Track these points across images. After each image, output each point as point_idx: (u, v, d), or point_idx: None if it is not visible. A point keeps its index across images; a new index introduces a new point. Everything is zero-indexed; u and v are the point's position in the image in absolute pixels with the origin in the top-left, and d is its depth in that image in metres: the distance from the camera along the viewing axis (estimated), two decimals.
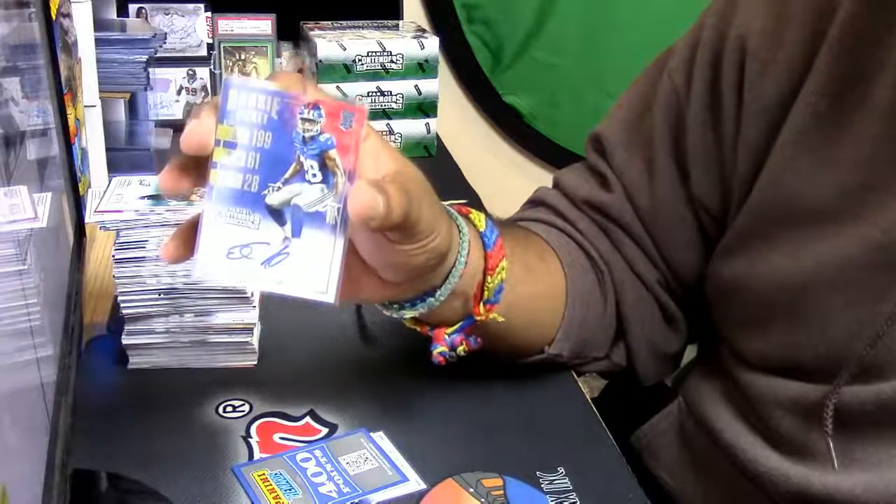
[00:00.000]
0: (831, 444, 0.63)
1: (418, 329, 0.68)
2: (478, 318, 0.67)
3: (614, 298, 0.77)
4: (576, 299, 0.75)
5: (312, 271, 0.53)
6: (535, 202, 0.82)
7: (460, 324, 0.67)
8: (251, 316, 0.77)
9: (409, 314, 0.65)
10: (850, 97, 0.62)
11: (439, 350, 0.67)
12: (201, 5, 1.35)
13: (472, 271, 0.65)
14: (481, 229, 0.66)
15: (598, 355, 0.78)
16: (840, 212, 0.62)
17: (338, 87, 1.25)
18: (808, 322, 0.64)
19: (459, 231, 0.64)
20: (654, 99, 0.75)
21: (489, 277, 0.66)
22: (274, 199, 0.53)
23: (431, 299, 0.63)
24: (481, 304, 0.66)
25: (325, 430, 0.71)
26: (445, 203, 0.64)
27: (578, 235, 0.77)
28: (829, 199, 0.63)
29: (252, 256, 0.53)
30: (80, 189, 0.85)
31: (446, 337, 0.67)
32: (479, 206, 1.15)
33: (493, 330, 0.68)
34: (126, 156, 1.15)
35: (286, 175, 0.52)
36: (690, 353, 0.86)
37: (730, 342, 0.72)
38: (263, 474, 0.65)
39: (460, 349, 0.68)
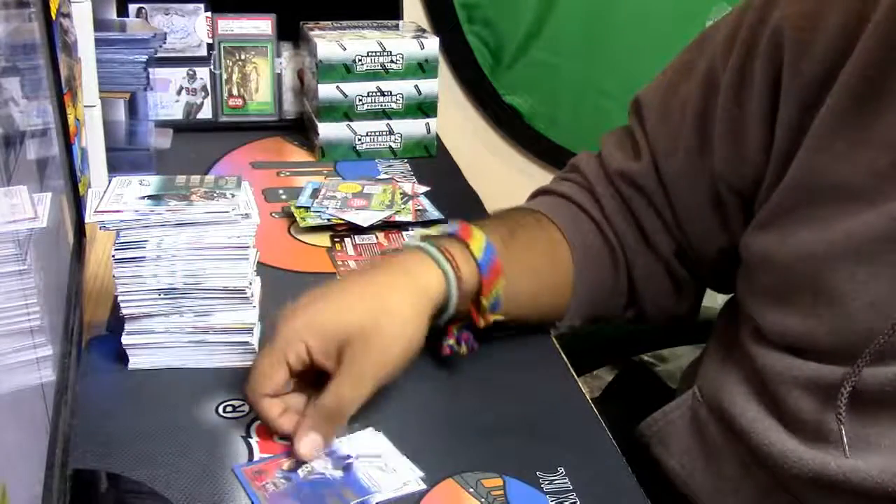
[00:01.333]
0: (843, 430, 0.63)
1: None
2: (480, 326, 0.76)
3: (626, 271, 0.84)
4: (584, 279, 0.82)
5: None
6: (572, 166, 0.89)
7: (466, 322, 0.77)
8: (251, 316, 0.77)
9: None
10: (889, 80, 0.63)
11: (449, 343, 0.76)
12: (201, 5, 1.35)
13: (466, 296, 0.74)
14: (479, 258, 0.74)
15: (615, 315, 0.87)
16: (870, 190, 0.64)
17: (338, 87, 1.25)
18: (830, 296, 0.65)
19: (446, 278, 0.73)
20: (693, 68, 0.78)
21: (483, 299, 0.75)
22: None
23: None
24: (480, 316, 0.76)
25: None
26: (440, 230, 0.76)
27: (598, 213, 0.84)
28: (861, 177, 0.64)
29: None
30: (80, 189, 0.85)
31: (455, 331, 0.76)
32: (478, 206, 1.15)
33: (503, 317, 0.77)
34: (126, 156, 1.15)
35: None
36: (686, 353, 0.87)
37: (752, 319, 0.73)
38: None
39: (462, 349, 0.77)
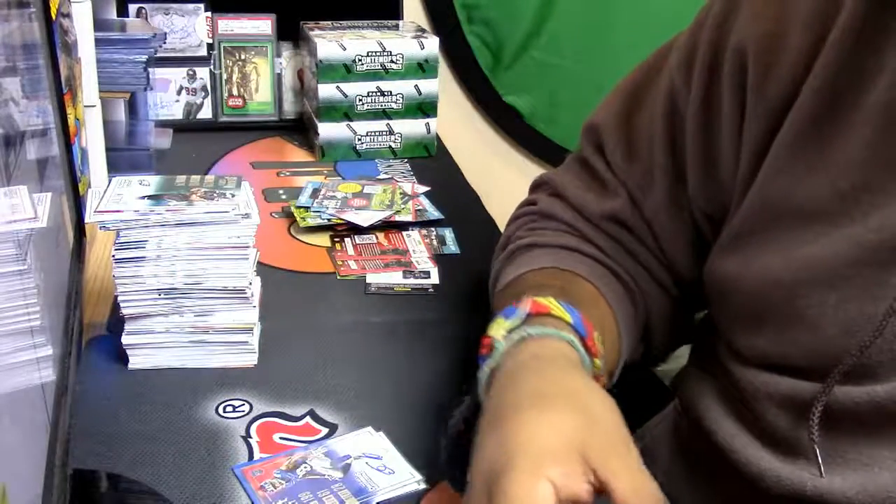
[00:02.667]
0: (818, 450, 0.63)
1: None
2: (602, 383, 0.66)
3: (644, 310, 0.78)
4: (625, 330, 0.75)
5: None
6: (544, 215, 0.81)
7: None
8: (251, 316, 0.77)
9: None
10: (847, 99, 0.62)
11: None
12: (201, 5, 1.35)
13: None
14: (570, 322, 0.65)
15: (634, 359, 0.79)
16: (833, 213, 0.62)
17: (338, 87, 1.25)
18: (801, 321, 0.64)
19: (572, 345, 0.63)
20: (652, 95, 0.76)
21: (596, 360, 0.65)
22: None
23: None
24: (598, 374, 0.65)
25: (325, 430, 0.71)
26: (514, 319, 0.65)
27: (608, 260, 0.77)
28: (822, 200, 0.63)
29: None
30: (80, 189, 0.85)
31: None
32: (478, 206, 1.16)
33: None
34: (126, 156, 1.15)
35: None
36: (685, 353, 0.86)
37: (726, 338, 0.72)
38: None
39: None
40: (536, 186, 0.85)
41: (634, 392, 0.86)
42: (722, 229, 0.72)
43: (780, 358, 0.67)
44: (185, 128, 1.34)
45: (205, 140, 1.33)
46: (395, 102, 1.28)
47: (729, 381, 0.71)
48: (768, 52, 0.66)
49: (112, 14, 1.27)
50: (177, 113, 1.37)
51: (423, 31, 1.34)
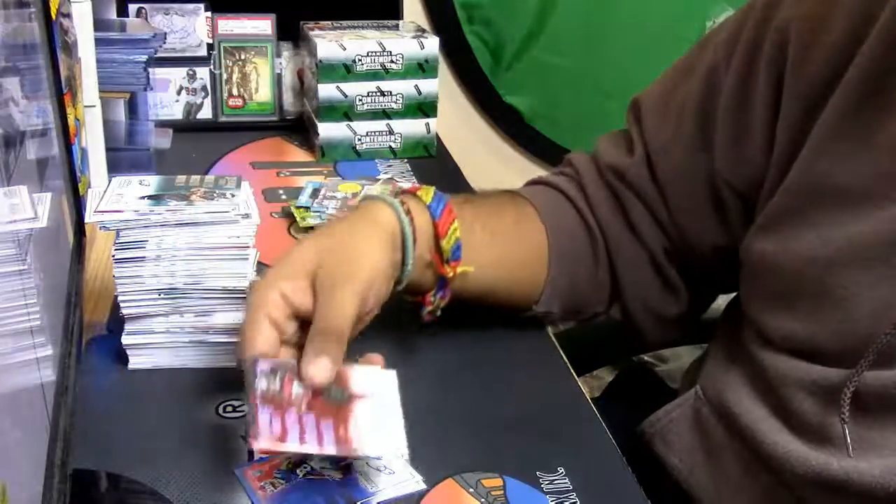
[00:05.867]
0: (847, 431, 0.63)
1: (411, 299, 0.77)
2: (447, 276, 0.75)
3: (607, 260, 0.83)
4: (560, 261, 0.81)
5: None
6: (566, 161, 0.88)
7: (438, 284, 0.76)
8: None
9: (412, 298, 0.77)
10: (892, 83, 0.63)
11: (427, 310, 0.77)
12: (201, 5, 1.35)
13: (425, 244, 0.74)
14: (427, 202, 0.75)
15: (598, 310, 0.85)
16: (874, 194, 0.64)
17: (338, 87, 1.25)
18: (833, 300, 0.65)
19: (394, 209, 0.73)
20: (694, 69, 0.78)
21: (443, 241, 0.74)
22: None
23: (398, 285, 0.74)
24: (445, 265, 0.75)
25: None
26: (396, 192, 0.75)
27: (582, 201, 0.83)
28: (865, 181, 0.64)
29: None
30: (80, 189, 0.85)
31: (431, 298, 0.77)
32: None
33: (474, 288, 0.78)
34: (126, 156, 1.15)
35: None
36: (686, 353, 0.86)
37: (756, 322, 0.73)
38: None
39: (439, 301, 0.77)
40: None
41: (635, 392, 0.87)
42: (751, 207, 0.74)
43: (810, 341, 0.67)
44: (185, 128, 1.34)
45: (205, 140, 1.33)
46: (395, 102, 1.28)
47: (756, 367, 0.72)
48: (811, 32, 0.67)
49: (112, 14, 1.27)
50: (177, 113, 1.37)
51: (423, 31, 1.34)
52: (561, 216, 0.83)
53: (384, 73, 1.26)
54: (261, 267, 0.78)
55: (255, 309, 0.65)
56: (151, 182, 0.78)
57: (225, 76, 1.37)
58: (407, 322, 0.79)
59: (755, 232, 0.73)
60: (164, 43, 1.24)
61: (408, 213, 0.73)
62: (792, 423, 0.69)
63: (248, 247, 0.75)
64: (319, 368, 0.61)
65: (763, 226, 0.72)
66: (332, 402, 0.63)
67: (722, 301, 0.86)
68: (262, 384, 0.62)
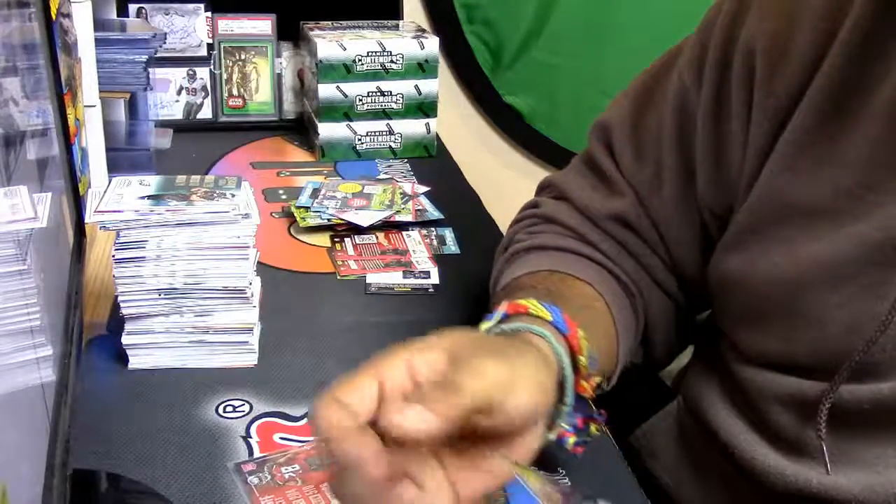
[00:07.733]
0: (824, 447, 0.63)
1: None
2: (586, 394, 0.64)
3: (643, 314, 0.78)
4: (625, 336, 0.74)
5: None
6: (547, 219, 0.80)
7: (567, 410, 0.63)
8: (251, 316, 0.77)
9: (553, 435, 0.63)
10: (853, 99, 0.62)
11: (572, 441, 0.64)
12: (201, 5, 1.35)
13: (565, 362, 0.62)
14: (549, 319, 0.63)
15: (635, 361, 0.79)
16: (837, 211, 0.62)
17: (338, 87, 1.25)
18: (806, 319, 0.64)
19: (545, 349, 0.61)
20: (661, 95, 0.76)
21: (580, 357, 0.63)
22: None
23: (564, 410, 0.62)
24: (583, 382, 0.63)
25: None
26: (494, 318, 0.63)
27: (608, 262, 0.76)
28: (827, 198, 0.63)
29: None
30: (80, 189, 0.85)
31: (565, 427, 0.63)
32: (478, 206, 1.15)
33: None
34: (126, 156, 1.15)
35: None
36: (689, 351, 0.86)
37: (729, 337, 0.72)
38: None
39: (593, 428, 0.65)
40: (541, 189, 0.84)
41: (635, 391, 0.87)
42: (727, 226, 0.72)
43: (785, 357, 0.67)
44: (185, 128, 1.34)
45: (205, 140, 1.33)
46: (395, 102, 1.28)
47: (733, 380, 0.71)
48: (776, 50, 0.66)
49: (112, 14, 1.27)
50: (177, 113, 1.37)
51: (423, 31, 1.34)
52: (608, 286, 0.75)
53: (384, 73, 1.26)
54: (261, 267, 0.77)
55: (372, 365, 0.51)
56: (151, 182, 0.78)
57: (225, 76, 1.37)
58: (408, 323, 0.79)
59: (721, 250, 0.72)
60: (164, 43, 1.24)
61: (562, 338, 0.62)
62: (770, 437, 0.68)
63: (248, 247, 0.75)
64: (414, 419, 0.47)
65: (729, 244, 0.71)
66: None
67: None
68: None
